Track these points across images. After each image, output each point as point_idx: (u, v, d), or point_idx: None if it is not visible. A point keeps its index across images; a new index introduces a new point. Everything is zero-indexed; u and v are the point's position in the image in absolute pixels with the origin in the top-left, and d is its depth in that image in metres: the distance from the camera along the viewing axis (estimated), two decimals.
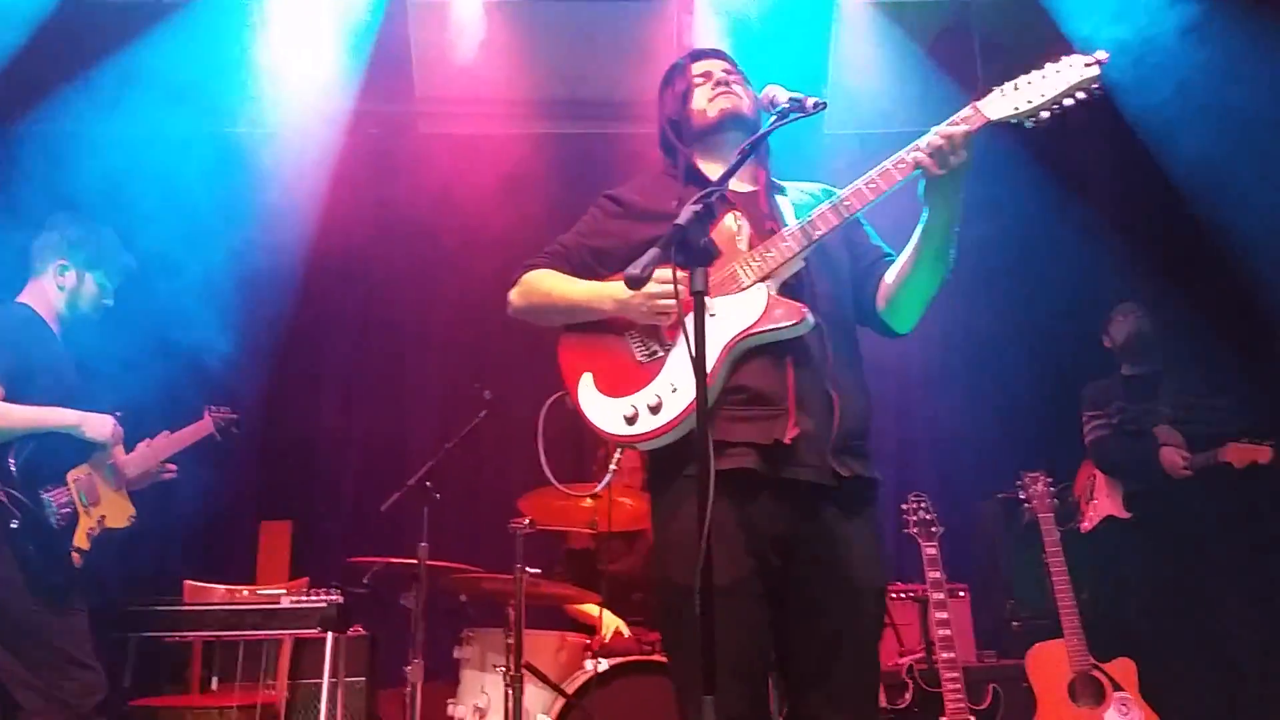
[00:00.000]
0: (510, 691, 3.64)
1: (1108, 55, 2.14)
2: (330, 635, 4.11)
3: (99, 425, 3.52)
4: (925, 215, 2.26)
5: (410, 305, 5.93)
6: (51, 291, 3.63)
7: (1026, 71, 2.19)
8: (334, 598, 4.21)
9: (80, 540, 3.39)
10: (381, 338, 5.97)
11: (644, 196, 2.49)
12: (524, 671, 3.65)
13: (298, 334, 5.74)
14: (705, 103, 2.50)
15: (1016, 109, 2.17)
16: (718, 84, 2.50)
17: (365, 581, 4.05)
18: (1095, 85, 2.14)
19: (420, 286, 5.88)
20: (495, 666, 3.86)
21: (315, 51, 5.24)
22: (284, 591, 4.37)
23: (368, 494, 4.74)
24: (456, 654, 4.07)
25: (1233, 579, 4.37)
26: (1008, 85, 2.19)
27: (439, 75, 5.62)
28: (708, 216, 1.90)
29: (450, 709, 4.01)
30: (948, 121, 2.18)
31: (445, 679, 4.20)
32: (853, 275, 2.46)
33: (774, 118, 2.26)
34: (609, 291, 2.35)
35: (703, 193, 1.98)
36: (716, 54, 2.61)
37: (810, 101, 2.23)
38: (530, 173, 5.66)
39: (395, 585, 4.06)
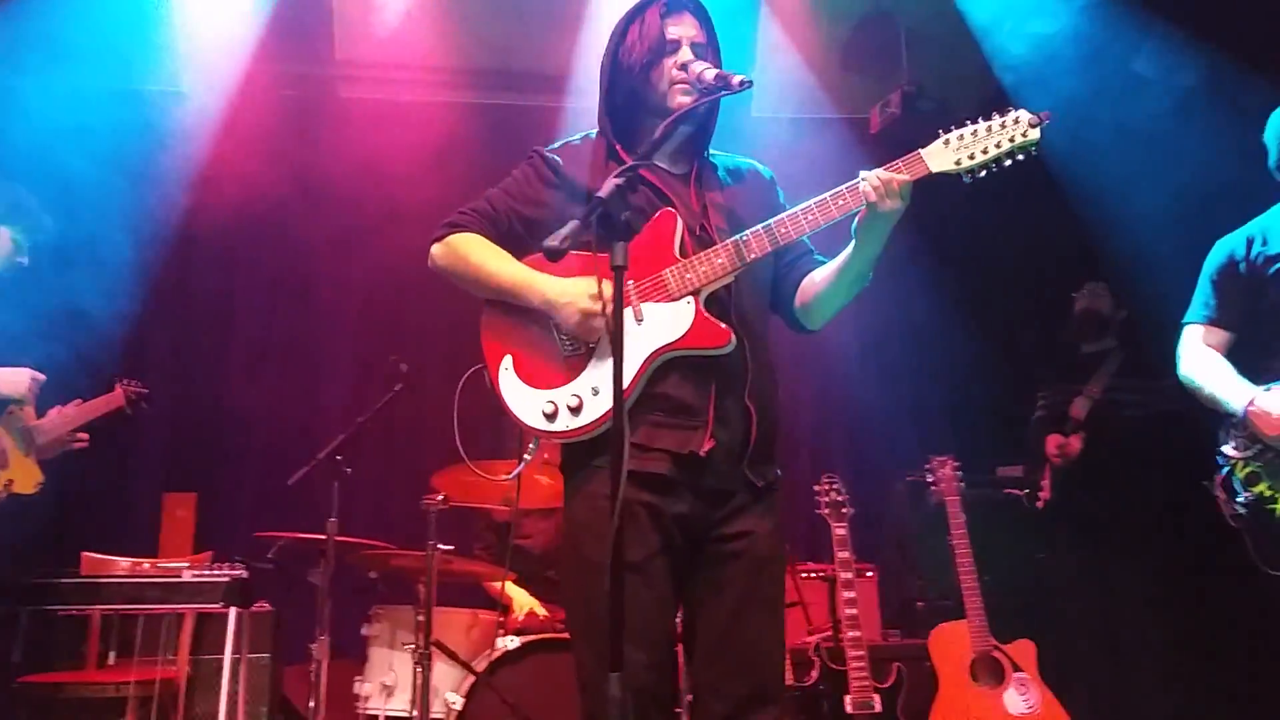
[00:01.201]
0: (418, 669, 3.61)
1: (1050, 115, 2.14)
2: (233, 611, 4.02)
3: (13, 380, 3.35)
4: (853, 246, 2.27)
5: (325, 273, 5.79)
6: None
7: (964, 122, 2.18)
8: (238, 572, 4.10)
9: None
10: (294, 306, 5.81)
11: (578, 169, 2.42)
12: (433, 649, 3.62)
13: (206, 300, 5.58)
14: (668, 86, 2.34)
15: (958, 163, 2.16)
16: (684, 69, 2.33)
17: (270, 557, 3.97)
18: (1034, 150, 2.14)
19: (336, 254, 5.75)
20: (404, 644, 3.82)
21: (229, 8, 5.06)
22: (187, 565, 4.24)
23: (276, 467, 4.61)
24: (365, 631, 4.02)
25: (1132, 562, 4.52)
26: (952, 135, 2.17)
27: (361, 38, 5.49)
28: (629, 190, 1.88)
29: (357, 687, 3.96)
30: (890, 166, 2.18)
31: (353, 657, 4.14)
32: (775, 270, 2.46)
33: (700, 95, 2.25)
34: (540, 287, 2.29)
35: (626, 166, 1.95)
36: (690, 8, 2.40)
37: (736, 79, 2.22)
38: (454, 142, 5.55)
39: (303, 561, 3.99)
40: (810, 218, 2.22)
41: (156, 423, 5.25)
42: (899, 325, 5.84)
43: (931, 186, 2.21)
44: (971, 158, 2.15)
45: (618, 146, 2.41)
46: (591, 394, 2.23)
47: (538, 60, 5.65)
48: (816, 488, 4.31)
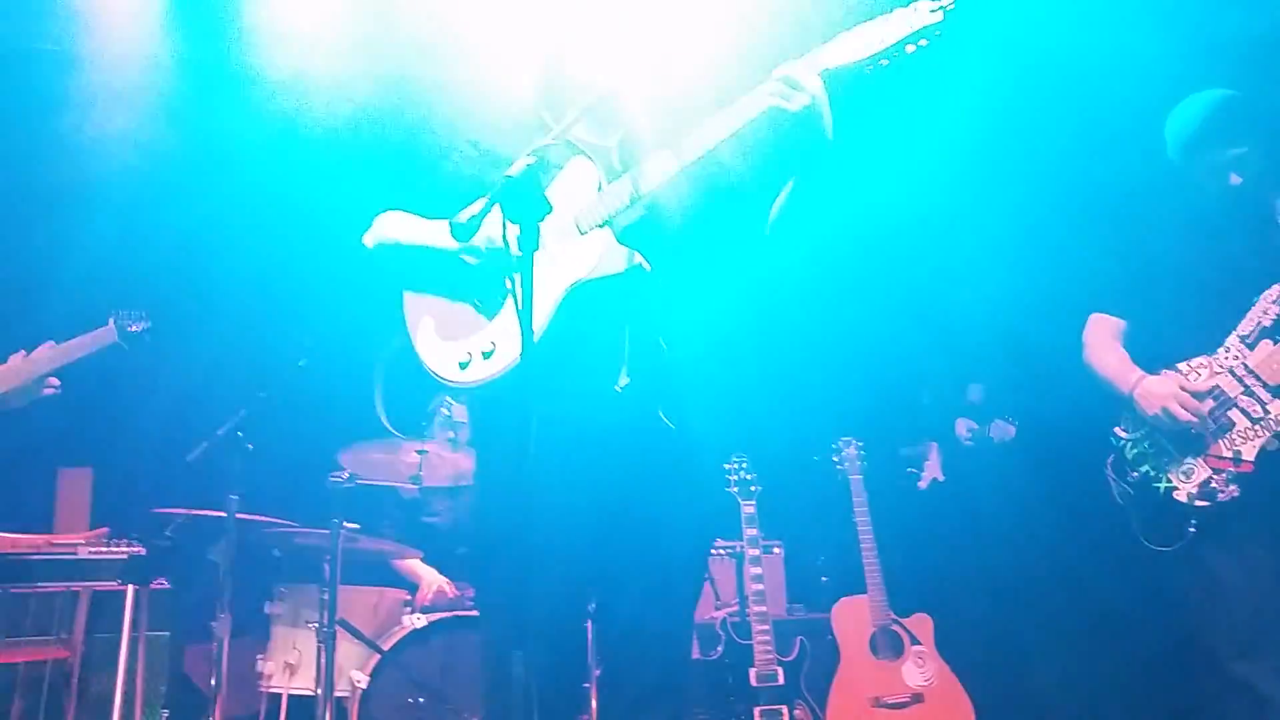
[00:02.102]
0: (323, 648, 3.57)
1: (952, 2, 2.03)
2: (131, 588, 3.92)
3: None
4: (783, 157, 2.26)
5: (230, 241, 5.62)
6: None
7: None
8: (136, 549, 4.00)
9: None
10: (194, 275, 5.63)
11: (501, 141, 2.41)
12: (337, 628, 3.57)
13: (104, 265, 5.37)
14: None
15: (856, 55, 2.08)
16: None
17: (169, 533, 3.87)
18: (938, 33, 2.02)
19: (243, 222, 5.58)
20: (308, 623, 3.77)
21: None
22: (82, 541, 4.11)
23: (175, 441, 4.49)
24: (268, 609, 3.96)
25: (1025, 539, 4.68)
26: (845, 33, 2.11)
27: (270, 2, 5.32)
28: (541, 169, 1.87)
29: (260, 665, 3.91)
30: (789, 65, 2.13)
31: (257, 635, 4.07)
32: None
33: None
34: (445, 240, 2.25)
35: (536, 144, 1.94)
36: None
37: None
38: (363, 114, 5.44)
39: (203, 538, 3.89)
40: (714, 131, 2.15)
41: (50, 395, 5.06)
42: (808, 308, 5.92)
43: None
44: (869, 47, 2.06)
45: (545, 116, 2.42)
46: (505, 336, 2.21)
47: (453, 34, 5.53)
48: (726, 466, 4.37)
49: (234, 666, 3.78)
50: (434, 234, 2.33)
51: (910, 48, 2.05)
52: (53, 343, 3.60)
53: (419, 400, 4.77)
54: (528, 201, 1.82)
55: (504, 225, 1.88)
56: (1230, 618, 2.85)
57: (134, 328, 3.75)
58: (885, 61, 2.07)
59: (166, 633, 4.13)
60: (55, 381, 3.59)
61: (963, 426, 4.83)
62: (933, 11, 2.02)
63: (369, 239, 2.46)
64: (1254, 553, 2.86)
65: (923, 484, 5.04)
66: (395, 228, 2.40)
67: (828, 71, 2.11)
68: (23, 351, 3.53)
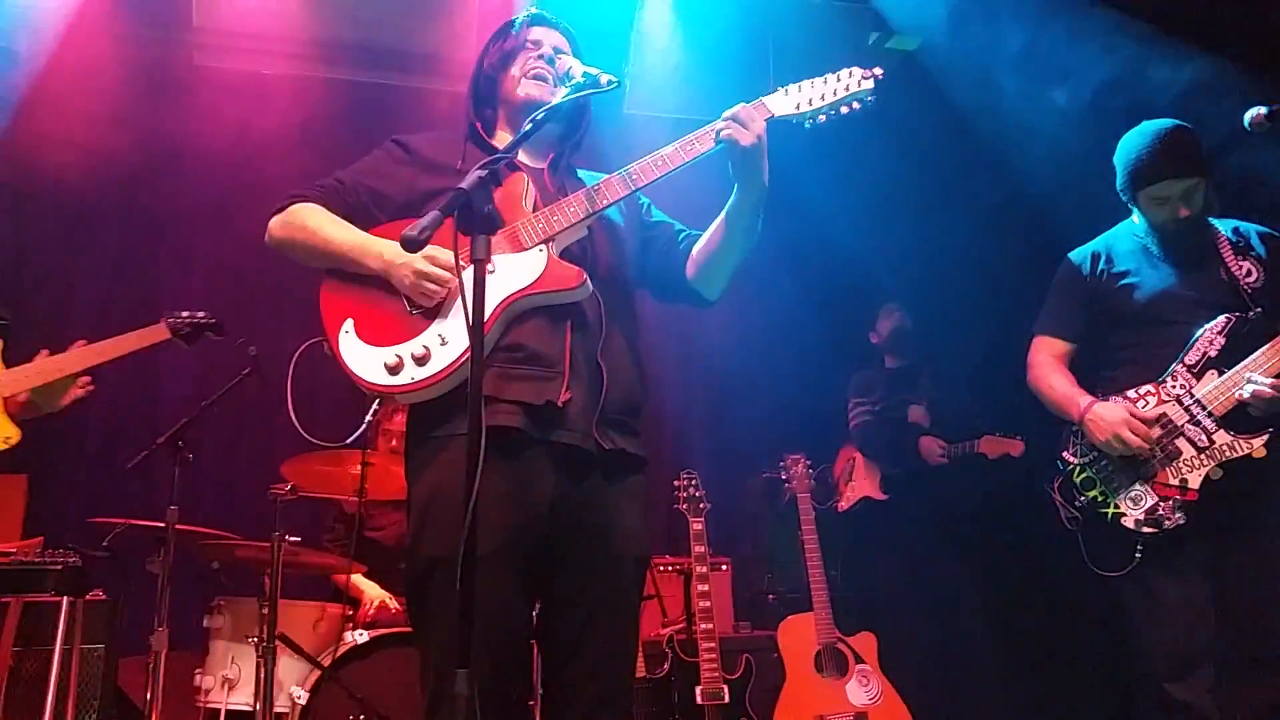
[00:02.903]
0: (262, 663, 3.51)
1: (882, 71, 2.31)
2: (65, 600, 3.81)
3: None
4: (736, 190, 2.33)
5: (172, 246, 5.52)
6: None
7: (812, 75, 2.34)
8: (71, 559, 3.89)
9: None
10: (138, 281, 5.52)
11: (433, 149, 2.41)
12: (277, 643, 3.51)
13: (42, 268, 5.25)
14: (519, 76, 2.44)
15: (798, 107, 2.30)
16: (539, 59, 2.43)
17: (105, 544, 3.78)
18: (870, 98, 2.30)
19: (185, 229, 5.49)
20: (248, 637, 3.70)
21: None
22: (14, 551, 4.00)
23: (114, 450, 4.40)
24: (206, 623, 3.87)
25: (971, 560, 4.74)
26: (792, 86, 2.32)
27: (221, 4, 5.26)
28: (492, 182, 1.86)
29: (198, 679, 3.82)
30: (731, 111, 2.27)
31: (194, 649, 3.99)
32: (652, 252, 2.49)
33: (568, 91, 2.26)
34: (377, 249, 2.25)
35: (489, 159, 1.94)
36: (558, 26, 2.54)
37: (604, 78, 2.25)
38: (316, 119, 5.40)
39: (141, 549, 3.81)
40: (667, 160, 2.28)
41: None
42: (757, 327, 5.98)
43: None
44: (810, 103, 2.30)
45: (477, 125, 2.46)
46: (439, 344, 2.17)
47: (407, 39, 5.51)
48: (675, 483, 4.37)
49: (171, 681, 3.69)
50: (360, 240, 2.28)
51: (845, 109, 2.32)
52: (84, 340, 3.39)
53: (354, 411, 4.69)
54: (479, 214, 1.80)
55: (455, 237, 1.85)
56: (1169, 640, 2.90)
57: (185, 325, 3.52)
58: (823, 118, 2.33)
59: (101, 645, 4.04)
60: (86, 381, 3.39)
61: (933, 445, 4.87)
62: (865, 79, 2.31)
63: (278, 229, 2.35)
64: (1193, 577, 2.92)
65: (842, 505, 5.10)
66: (318, 221, 2.32)
67: (771, 119, 2.30)
68: (45, 350, 3.34)
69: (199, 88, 5.43)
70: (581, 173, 2.51)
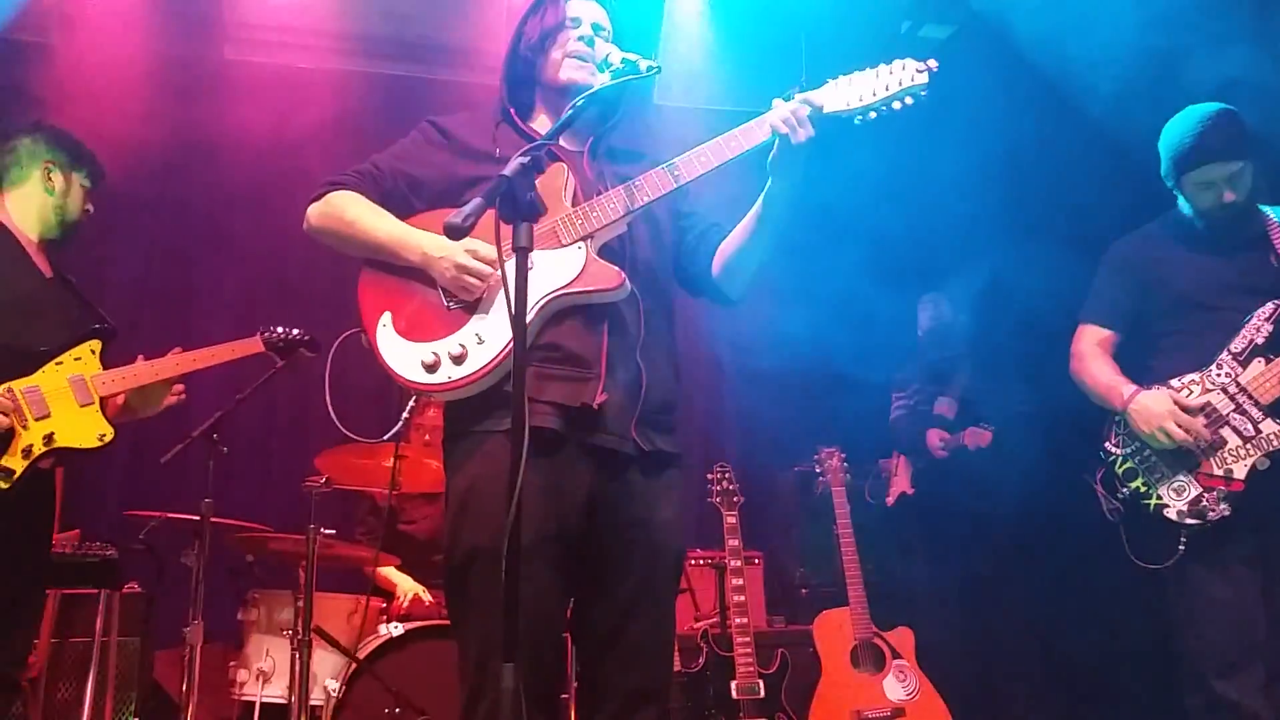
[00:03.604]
0: (297, 655, 3.51)
1: (937, 64, 2.18)
2: (103, 592, 3.83)
3: None
4: (770, 184, 2.27)
5: (206, 238, 5.53)
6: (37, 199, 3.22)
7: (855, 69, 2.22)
8: (108, 552, 3.92)
9: (11, 459, 2.95)
10: (171, 271, 5.54)
11: (470, 133, 2.37)
12: (312, 635, 3.51)
13: (77, 265, 5.26)
14: (560, 58, 2.36)
15: (849, 104, 2.18)
16: (579, 41, 2.35)
17: (142, 537, 3.79)
18: (924, 93, 2.17)
19: (220, 222, 5.51)
20: (283, 630, 3.70)
21: None
22: (52, 544, 4.02)
23: (149, 443, 4.40)
24: (241, 616, 3.88)
25: (1007, 553, 4.67)
26: (841, 78, 2.21)
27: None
28: (535, 170, 1.83)
29: (232, 672, 3.83)
30: (786, 106, 2.19)
31: (229, 642, 4.00)
32: (683, 245, 2.44)
33: (609, 77, 2.23)
34: (418, 241, 2.22)
35: (531, 145, 1.91)
36: None
37: (644, 64, 2.20)
38: (348, 113, 5.39)
39: (176, 542, 3.82)
40: (711, 155, 2.20)
41: None
42: (790, 319, 5.91)
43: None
44: (861, 99, 2.18)
45: (512, 110, 2.40)
46: (476, 342, 2.14)
47: (441, 32, 5.51)
48: (709, 476, 4.33)
49: (206, 673, 3.70)
50: (400, 231, 2.25)
51: (897, 104, 2.19)
52: (180, 348, 3.45)
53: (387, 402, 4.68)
54: (522, 202, 1.78)
55: (497, 227, 1.82)
56: (1215, 635, 2.84)
57: (281, 340, 3.56)
58: (874, 114, 2.20)
59: (137, 638, 4.07)
60: (180, 388, 3.44)
61: (935, 438, 4.83)
62: (919, 72, 2.17)
63: (317, 219, 2.32)
64: (1240, 571, 2.85)
65: (889, 500, 5.05)
66: (358, 211, 2.29)
67: (820, 114, 2.19)
68: (141, 356, 3.38)
69: (231, 82, 5.44)
70: (620, 154, 2.45)
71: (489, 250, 2.13)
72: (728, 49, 5.50)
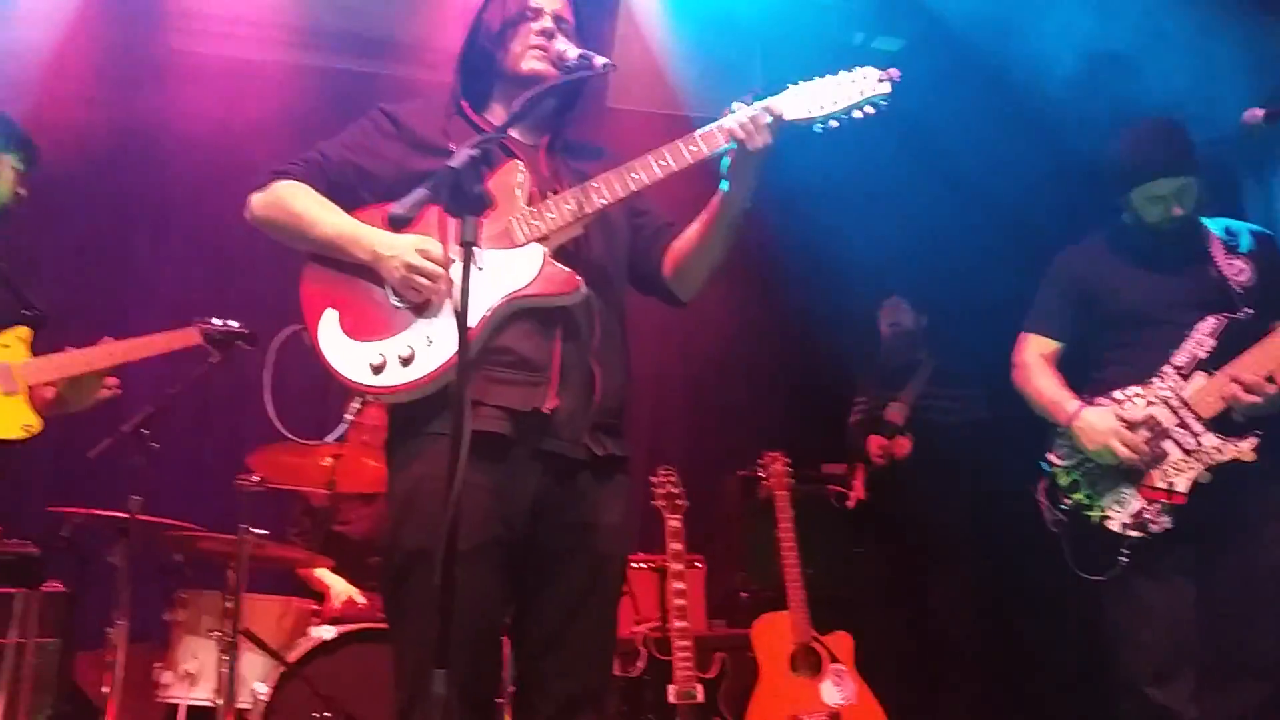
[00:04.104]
0: (225, 658, 3.42)
1: (899, 73, 2.15)
2: (20, 591, 3.69)
3: None
4: (724, 188, 2.24)
5: (146, 230, 5.39)
6: None
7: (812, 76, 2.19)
8: (27, 549, 3.78)
9: None
10: (109, 262, 5.38)
11: (423, 124, 2.31)
12: (241, 637, 3.43)
13: (4, 246, 5.10)
14: (521, 50, 2.29)
15: (810, 112, 2.16)
16: (543, 34, 2.28)
17: (65, 534, 3.66)
18: (884, 102, 2.14)
19: (157, 215, 5.37)
20: (210, 631, 3.61)
21: None
22: None
23: (78, 438, 4.26)
24: (168, 617, 3.78)
25: (951, 561, 4.70)
26: (803, 84, 2.17)
27: None
28: (484, 163, 1.78)
29: (157, 674, 3.72)
30: (745, 112, 2.16)
31: (154, 643, 3.89)
32: (636, 244, 2.41)
33: (561, 73, 2.19)
34: (368, 238, 2.15)
35: (481, 138, 1.86)
36: None
37: (599, 61, 2.16)
38: (295, 106, 5.27)
39: (101, 540, 3.70)
40: (671, 159, 2.16)
41: None
42: (738, 323, 5.92)
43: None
44: (822, 107, 2.15)
45: (464, 104, 2.34)
46: (425, 344, 2.09)
47: (391, 26, 5.43)
48: (653, 479, 4.31)
49: (130, 675, 3.58)
50: (348, 227, 2.19)
51: (859, 113, 2.15)
52: (109, 338, 3.31)
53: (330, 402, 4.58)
54: (470, 195, 1.73)
55: (447, 227, 1.77)
56: (1150, 645, 2.88)
57: (219, 332, 3.44)
58: (835, 123, 2.17)
59: (57, 639, 3.92)
60: (114, 381, 3.32)
61: (875, 445, 4.86)
62: (881, 81, 2.13)
63: (261, 208, 2.26)
64: (1176, 582, 2.89)
65: (850, 504, 5.05)
66: (304, 204, 2.22)
67: (780, 122, 2.15)
68: (70, 347, 3.25)
69: (176, 72, 5.31)
70: (578, 150, 2.41)
71: (440, 250, 2.08)
72: (684, 54, 5.50)
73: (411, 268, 2.09)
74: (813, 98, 2.16)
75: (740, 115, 2.14)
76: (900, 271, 5.24)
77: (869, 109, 2.15)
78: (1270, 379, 2.79)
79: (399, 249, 2.11)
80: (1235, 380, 2.82)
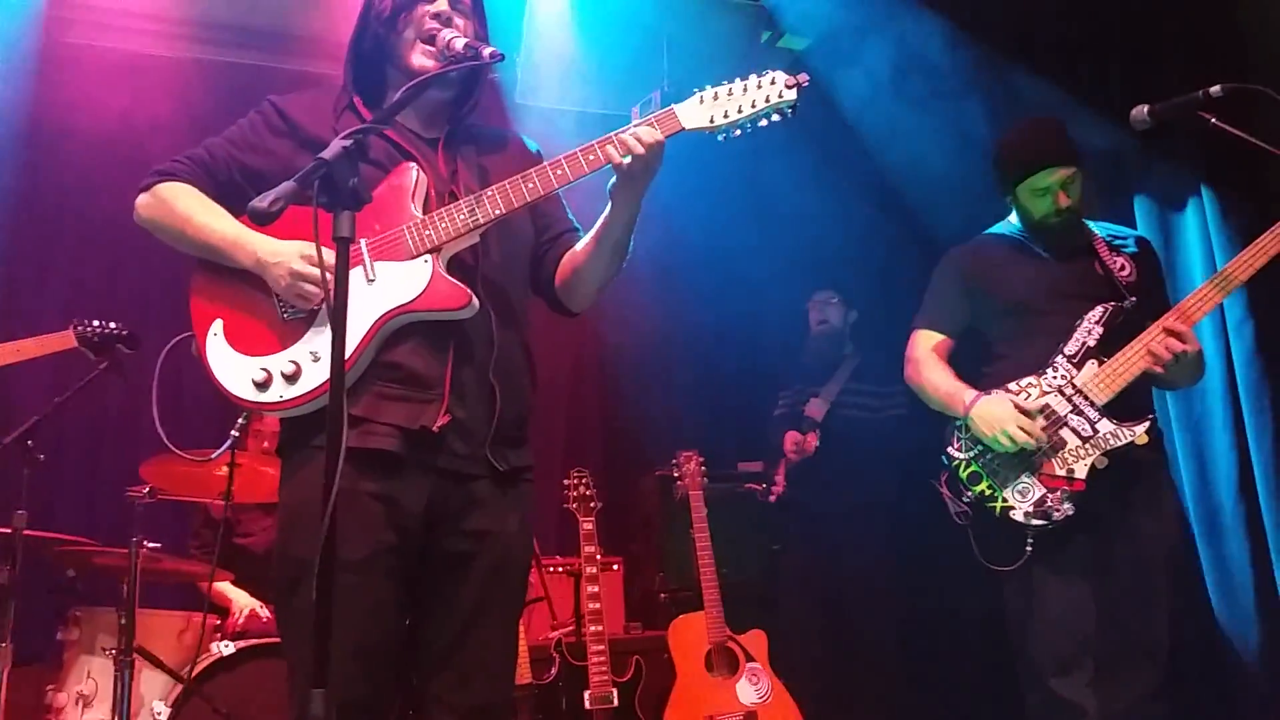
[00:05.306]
0: (120, 677, 3.28)
1: (808, 78, 2.10)
2: None
3: None
4: (609, 210, 2.18)
5: (28, 230, 5.15)
6: None
7: (719, 79, 2.12)
8: None
9: None
10: None
11: (313, 119, 2.20)
12: (136, 655, 3.30)
13: None
14: (413, 37, 2.17)
15: (713, 121, 2.08)
16: (437, 18, 2.16)
17: None
18: (791, 110, 2.08)
19: (41, 214, 5.14)
20: (105, 650, 3.47)
21: None
22: None
23: None
24: (60, 636, 3.62)
25: (864, 556, 4.71)
26: (707, 92, 2.10)
27: None
28: (358, 154, 1.71)
29: (50, 697, 3.56)
30: (643, 121, 2.10)
31: (47, 663, 3.72)
32: (535, 248, 2.34)
33: (448, 62, 2.11)
34: (251, 244, 2.07)
35: (355, 129, 1.77)
36: None
37: (487, 51, 2.08)
38: (189, 101, 5.10)
39: None
40: (560, 172, 2.09)
41: None
42: (653, 323, 5.89)
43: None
44: (725, 115, 2.08)
45: (355, 99, 2.24)
46: (311, 360, 2.02)
47: (290, 20, 5.29)
48: (566, 481, 4.26)
49: (18, 697, 3.46)
50: (232, 233, 2.10)
51: (764, 122, 2.09)
52: None
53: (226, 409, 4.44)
54: (344, 189, 1.65)
55: (315, 220, 1.69)
56: (1052, 636, 2.91)
57: (96, 334, 3.27)
58: (739, 132, 2.10)
59: None
60: None
61: (789, 440, 4.86)
62: (789, 88, 2.06)
63: (147, 210, 2.16)
64: (1076, 570, 2.93)
65: (773, 498, 5.04)
66: (189, 207, 2.13)
67: (681, 134, 2.09)
68: None
69: (66, 65, 5.09)
70: (481, 139, 2.32)
71: (329, 256, 2.00)
72: (591, 51, 5.45)
73: (297, 275, 2.01)
74: (717, 106, 2.08)
75: (634, 133, 2.06)
76: (827, 269, 5.25)
77: (775, 116, 2.09)
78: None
79: (284, 255, 2.03)
80: (1168, 330, 2.86)
